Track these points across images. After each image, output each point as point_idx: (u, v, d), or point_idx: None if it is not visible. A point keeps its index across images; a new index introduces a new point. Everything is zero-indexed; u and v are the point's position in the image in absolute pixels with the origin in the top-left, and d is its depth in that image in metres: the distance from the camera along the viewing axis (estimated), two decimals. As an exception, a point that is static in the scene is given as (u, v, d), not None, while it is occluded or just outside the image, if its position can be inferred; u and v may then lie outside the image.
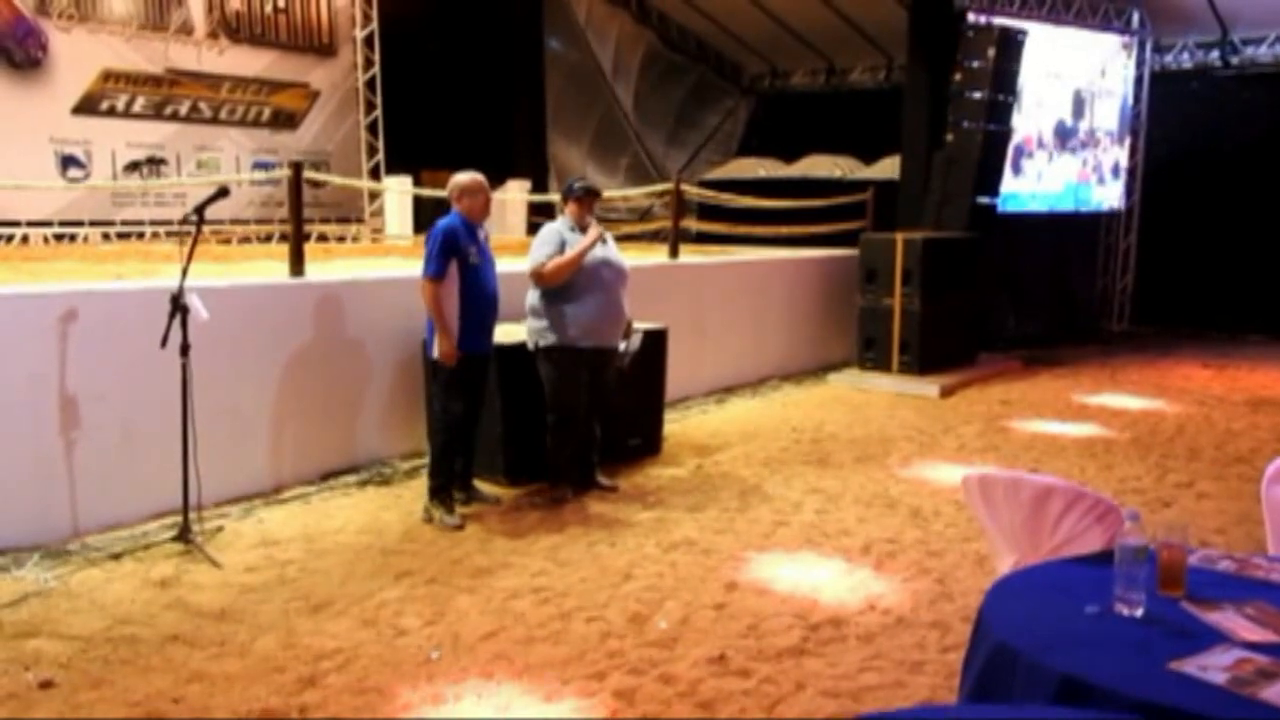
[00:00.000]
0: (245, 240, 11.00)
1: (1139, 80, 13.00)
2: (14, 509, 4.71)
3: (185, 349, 4.78)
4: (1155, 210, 13.18)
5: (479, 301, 5.33)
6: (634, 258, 7.29)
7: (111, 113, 10.32)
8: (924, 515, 5.57)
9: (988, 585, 2.64)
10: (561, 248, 5.58)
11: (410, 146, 12.26)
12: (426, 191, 8.58)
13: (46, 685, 3.51)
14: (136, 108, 10.50)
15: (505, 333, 5.82)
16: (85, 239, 10.11)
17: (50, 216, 9.94)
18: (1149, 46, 12.98)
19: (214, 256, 8.72)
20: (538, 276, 5.58)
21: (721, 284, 9.09)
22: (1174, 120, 12.90)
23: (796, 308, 9.97)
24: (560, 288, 5.58)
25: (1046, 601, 2.49)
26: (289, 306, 5.85)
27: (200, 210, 4.91)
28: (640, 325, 6.19)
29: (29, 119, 9.74)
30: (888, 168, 12.56)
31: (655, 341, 6.65)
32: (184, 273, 4.79)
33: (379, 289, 6.30)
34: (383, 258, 9.82)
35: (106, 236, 10.25)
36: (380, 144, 12.39)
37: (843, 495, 5.92)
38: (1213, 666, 2.13)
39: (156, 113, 10.63)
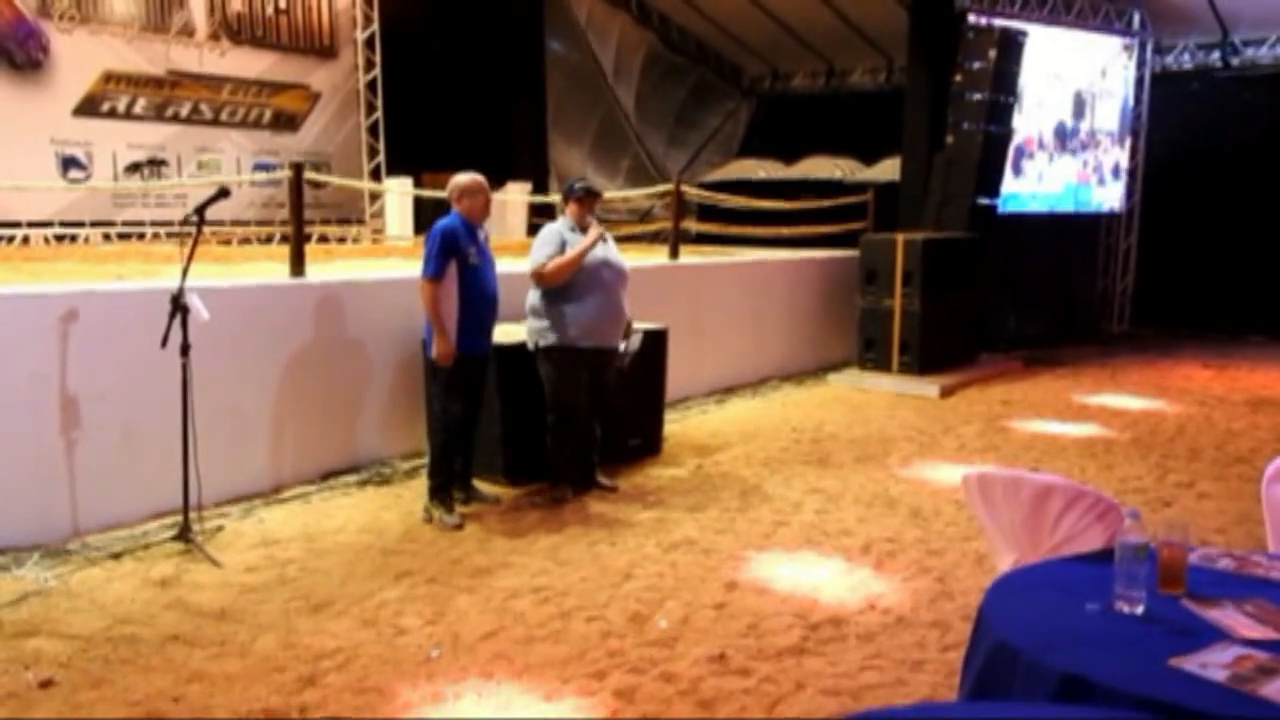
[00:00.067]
0: (246, 241, 11.01)
1: (1139, 81, 13.01)
2: (14, 508, 4.71)
3: (185, 349, 4.78)
4: (1156, 211, 13.18)
5: (478, 302, 5.33)
6: (634, 259, 7.30)
7: (112, 114, 10.33)
8: (924, 515, 5.56)
9: (988, 584, 2.64)
10: (562, 248, 5.58)
11: (411, 148, 12.27)
12: (427, 192, 8.58)
13: (46, 684, 3.51)
14: (137, 109, 10.51)
15: (505, 333, 5.82)
16: (86, 240, 10.12)
17: (51, 217, 9.95)
18: (1149, 48, 12.99)
19: (214, 257, 8.72)
20: (538, 277, 5.59)
21: (722, 285, 9.10)
22: (1174, 121, 12.91)
23: (797, 308, 9.97)
24: (561, 288, 5.58)
25: (1047, 600, 2.49)
26: (289, 307, 5.86)
27: (201, 211, 4.92)
28: (640, 325, 6.19)
29: (30, 120, 9.75)
30: (888, 169, 12.57)
31: (655, 342, 6.65)
32: (184, 273, 4.79)
33: (379, 289, 6.30)
34: (383, 258, 9.83)
35: (107, 237, 10.26)
36: (381, 146, 12.40)
37: (843, 495, 5.92)
38: (1213, 664, 2.13)
39: (157, 114, 10.64)
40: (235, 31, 11.14)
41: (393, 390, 6.28)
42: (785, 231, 10.81)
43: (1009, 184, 10.84)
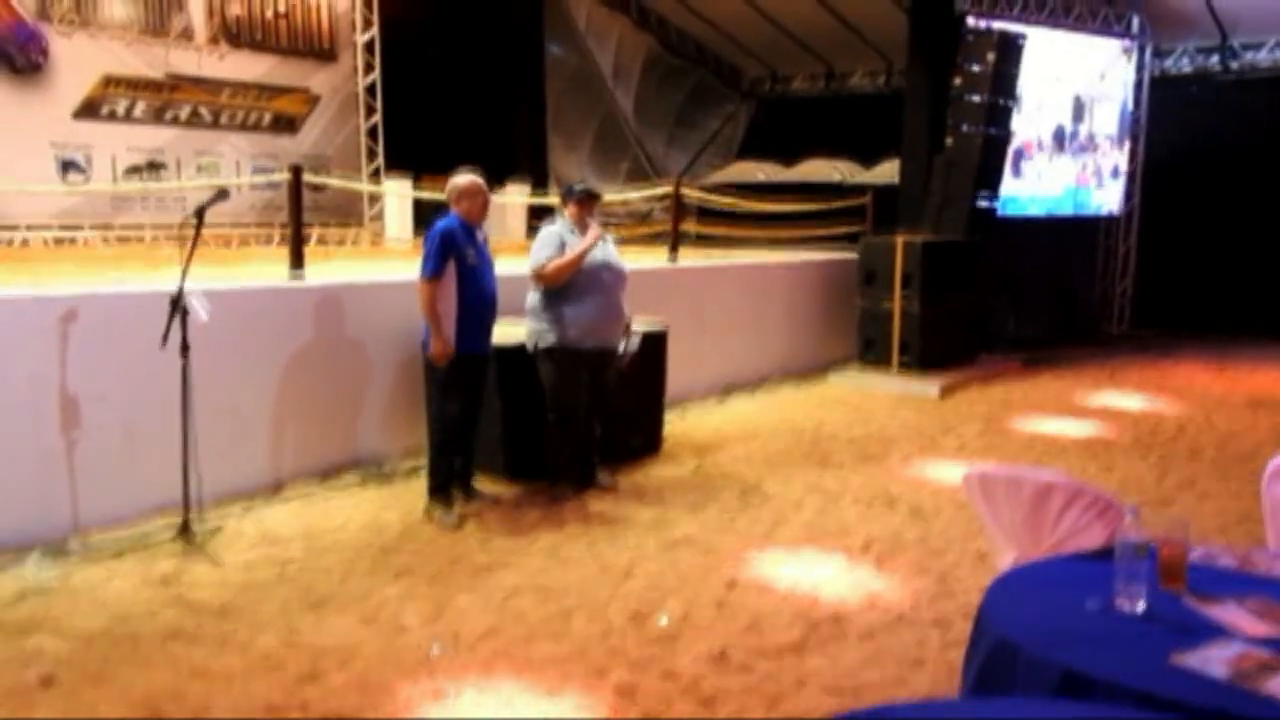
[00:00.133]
0: (245, 243, 11.02)
1: (1139, 84, 13.03)
2: (15, 507, 4.71)
3: (185, 349, 4.79)
4: (1155, 214, 13.20)
5: (477, 302, 5.33)
6: (634, 260, 7.30)
7: (112, 117, 10.35)
8: (924, 514, 5.57)
9: (988, 583, 2.64)
10: (562, 249, 5.59)
11: (410, 151, 12.25)
12: (426, 194, 8.59)
13: (47, 682, 3.51)
14: (137, 112, 10.52)
15: (505, 333, 5.82)
16: (85, 242, 10.12)
17: (50, 220, 9.96)
18: (1149, 51, 13.01)
19: (214, 259, 8.72)
20: (538, 277, 5.59)
21: (721, 286, 9.10)
22: (1173, 124, 12.93)
23: (796, 310, 9.97)
24: (560, 289, 5.59)
25: (1047, 597, 2.49)
26: (289, 308, 5.86)
27: (200, 212, 4.92)
28: (640, 326, 6.19)
29: (30, 123, 9.76)
30: (887, 171, 12.58)
31: (655, 342, 6.66)
32: (184, 273, 4.80)
33: (379, 291, 6.30)
34: (382, 260, 9.83)
35: (106, 240, 10.26)
36: (380, 149, 12.41)
37: (843, 494, 5.92)
38: (1214, 660, 2.13)
39: (157, 117, 10.66)
40: (234, 35, 11.16)
41: (393, 390, 6.28)
42: (785, 233, 10.82)
43: (1008, 186, 10.85)
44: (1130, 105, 12.93)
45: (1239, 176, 12.33)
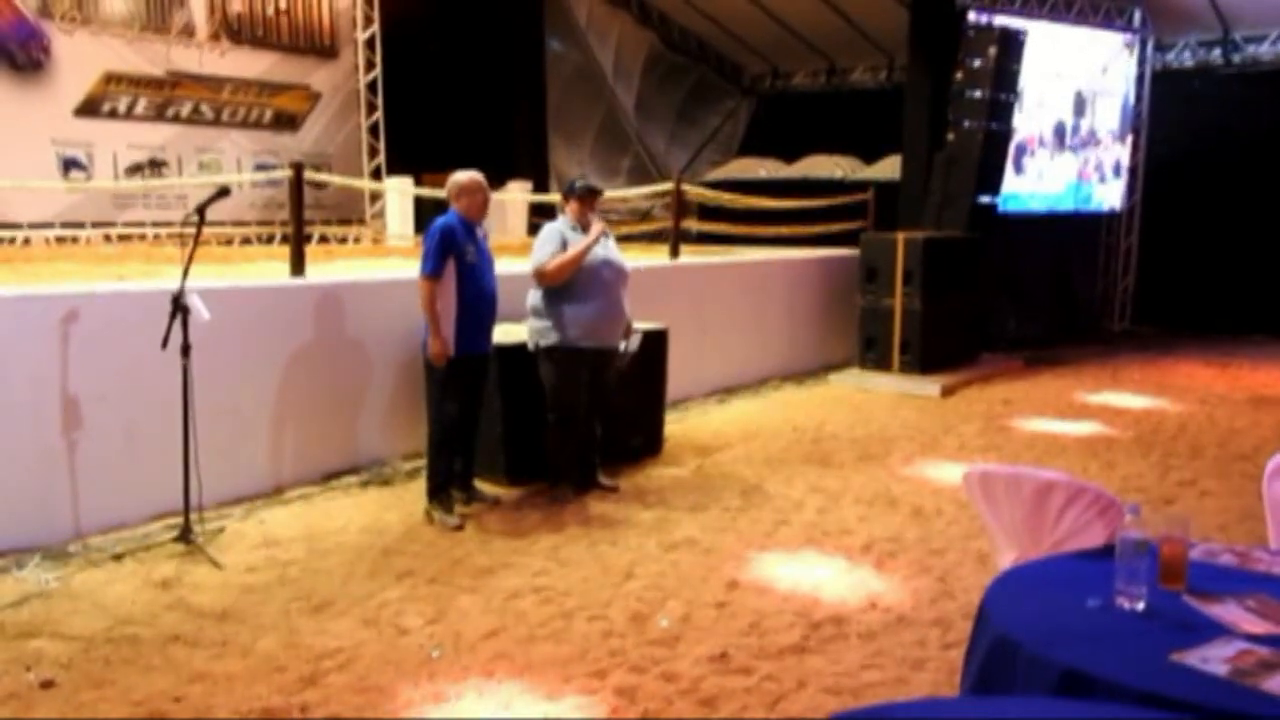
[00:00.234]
0: (246, 241, 11.02)
1: (1140, 79, 12.99)
2: (16, 510, 4.71)
3: (186, 350, 4.78)
4: (1157, 209, 13.16)
5: (477, 301, 5.32)
6: (635, 258, 7.30)
7: (113, 115, 10.34)
8: (925, 514, 5.56)
9: (989, 582, 2.63)
10: (563, 246, 5.58)
11: (411, 148, 12.27)
12: (427, 192, 8.60)
13: (48, 685, 3.51)
14: (138, 110, 10.52)
15: (505, 332, 5.82)
16: (87, 241, 10.12)
17: (52, 218, 9.95)
18: (1150, 45, 12.97)
19: (215, 258, 8.73)
20: (540, 275, 5.58)
21: (722, 284, 9.09)
22: (1175, 119, 12.88)
23: (797, 308, 9.96)
24: (561, 288, 5.58)
25: (1048, 595, 2.49)
26: (290, 307, 5.86)
27: (201, 210, 4.91)
28: (640, 325, 6.18)
29: (31, 121, 9.76)
30: (888, 168, 12.56)
31: (656, 342, 6.65)
32: (185, 273, 4.79)
33: (380, 290, 6.30)
34: (384, 259, 9.83)
35: (108, 238, 10.27)
36: (381, 146, 12.41)
37: (844, 494, 5.91)
38: (1214, 658, 2.13)
39: (158, 115, 10.65)
40: (235, 32, 11.15)
41: (394, 390, 6.28)
42: (786, 230, 10.80)
43: (1010, 182, 10.83)
44: (1132, 100, 12.90)
45: (1241, 171, 12.29)
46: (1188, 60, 13.08)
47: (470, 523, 5.29)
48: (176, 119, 10.77)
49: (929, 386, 8.99)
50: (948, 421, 7.87)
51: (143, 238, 10.44)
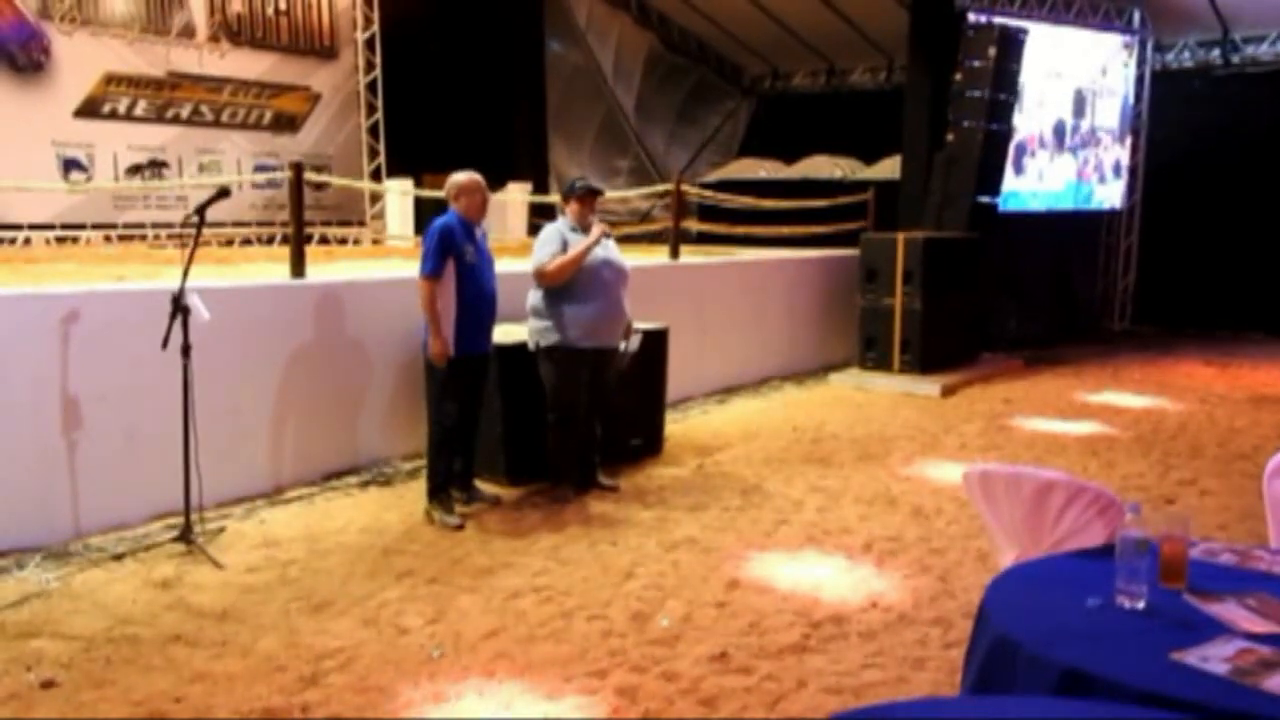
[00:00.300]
0: (246, 242, 11.02)
1: (1140, 79, 13.00)
2: (16, 510, 4.71)
3: (186, 350, 4.78)
4: (1156, 209, 13.17)
5: (476, 301, 5.32)
6: (635, 259, 7.29)
7: (113, 116, 10.34)
8: (925, 513, 5.56)
9: (989, 581, 2.63)
10: (564, 247, 5.58)
11: (411, 149, 12.27)
12: (427, 193, 8.60)
13: (48, 685, 3.51)
14: (138, 111, 10.51)
15: (505, 333, 5.82)
16: (87, 241, 10.12)
17: (52, 219, 9.95)
18: (1150, 45, 12.98)
19: (215, 258, 8.73)
20: (540, 275, 5.58)
21: (722, 284, 9.09)
22: (1175, 119, 12.89)
23: (797, 308, 9.97)
24: (561, 288, 5.58)
25: (1048, 594, 2.49)
26: (290, 307, 5.86)
27: (201, 211, 4.92)
28: (640, 325, 6.19)
29: (31, 122, 9.76)
30: (888, 168, 12.56)
31: (656, 342, 6.65)
32: (185, 273, 4.79)
33: (380, 290, 6.30)
34: (384, 259, 9.83)
35: (108, 239, 10.26)
36: (381, 147, 12.40)
37: (844, 494, 5.91)
38: (1214, 657, 2.13)
39: (158, 116, 10.65)
40: (235, 33, 11.15)
41: (394, 391, 6.28)
42: (786, 231, 10.80)
43: (1010, 182, 10.84)
44: (1131, 100, 12.91)
45: (1241, 171, 12.29)
46: (1187, 60, 13.09)
47: (470, 523, 5.29)
48: (176, 120, 10.77)
49: (929, 386, 8.99)
50: (948, 421, 7.87)
51: (143, 238, 10.44)
